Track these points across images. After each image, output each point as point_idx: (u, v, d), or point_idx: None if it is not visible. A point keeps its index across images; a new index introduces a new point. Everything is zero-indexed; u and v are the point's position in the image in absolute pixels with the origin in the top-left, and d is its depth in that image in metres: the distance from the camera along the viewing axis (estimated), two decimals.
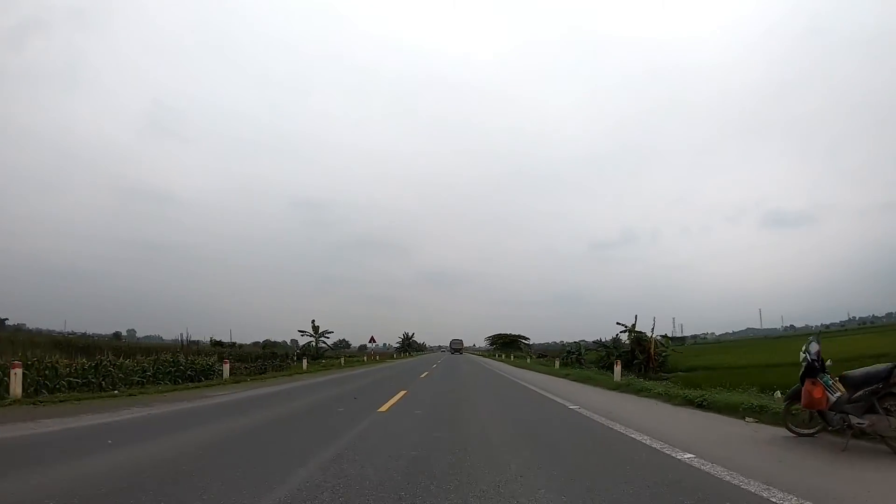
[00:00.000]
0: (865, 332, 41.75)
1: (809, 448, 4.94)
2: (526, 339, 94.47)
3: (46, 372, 11.87)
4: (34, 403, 8.64)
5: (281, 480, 3.59)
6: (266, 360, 27.53)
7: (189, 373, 16.20)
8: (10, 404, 8.41)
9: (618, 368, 13.75)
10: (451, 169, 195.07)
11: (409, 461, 4.24)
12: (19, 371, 9.36)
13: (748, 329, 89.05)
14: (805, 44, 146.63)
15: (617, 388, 12.13)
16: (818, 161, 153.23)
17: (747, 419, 6.72)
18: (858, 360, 9.07)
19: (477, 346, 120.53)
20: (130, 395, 10.69)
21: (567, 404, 8.86)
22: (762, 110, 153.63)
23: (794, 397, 5.57)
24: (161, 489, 3.35)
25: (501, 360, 48.63)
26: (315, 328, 42.59)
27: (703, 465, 4.19)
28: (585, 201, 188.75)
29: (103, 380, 12.81)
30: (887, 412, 4.54)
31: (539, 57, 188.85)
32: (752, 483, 3.59)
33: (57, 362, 12.47)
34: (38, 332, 44.23)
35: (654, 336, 27.78)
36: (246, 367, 21.90)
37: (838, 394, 4.90)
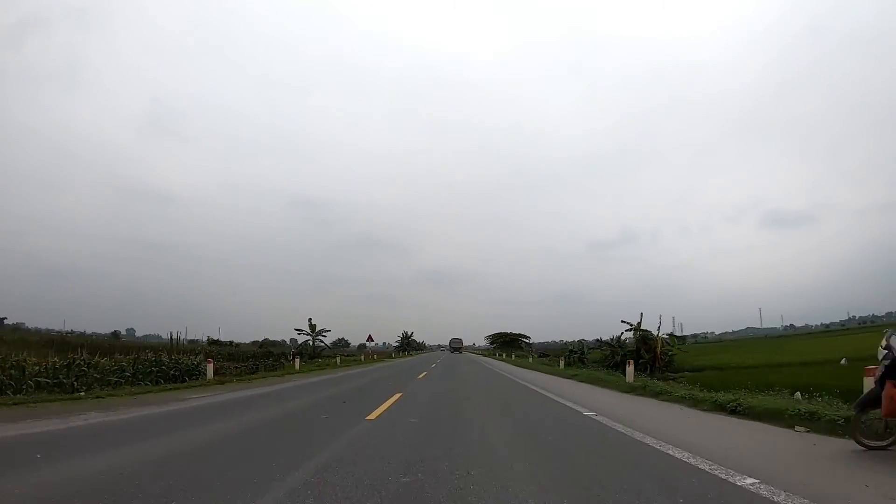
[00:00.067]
0: (867, 331, 40.75)
1: (893, 465, 4.02)
2: (527, 337, 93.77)
3: (12, 371, 11.04)
4: None
5: None
6: (259, 359, 26.67)
7: (172, 373, 15.37)
8: None
9: (630, 369, 12.76)
10: (451, 168, 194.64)
11: (397, 493, 3.28)
12: None
13: (748, 328, 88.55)
14: (805, 43, 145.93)
15: (632, 390, 11.16)
16: (818, 161, 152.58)
17: (797, 428, 5.76)
18: (870, 360, 8.17)
19: (477, 345, 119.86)
20: (97, 397, 9.76)
21: (582, 410, 7.90)
22: (762, 110, 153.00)
23: (866, 404, 4.60)
24: None
25: (502, 360, 47.72)
26: (312, 327, 41.68)
27: (775, 495, 3.22)
28: (585, 201, 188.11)
29: (76, 380, 11.93)
30: None
31: (539, 57, 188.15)
32: None
33: (24, 361, 11.64)
34: (37, 332, 43.42)
35: (660, 335, 26.87)
36: (236, 367, 21.15)
37: None
